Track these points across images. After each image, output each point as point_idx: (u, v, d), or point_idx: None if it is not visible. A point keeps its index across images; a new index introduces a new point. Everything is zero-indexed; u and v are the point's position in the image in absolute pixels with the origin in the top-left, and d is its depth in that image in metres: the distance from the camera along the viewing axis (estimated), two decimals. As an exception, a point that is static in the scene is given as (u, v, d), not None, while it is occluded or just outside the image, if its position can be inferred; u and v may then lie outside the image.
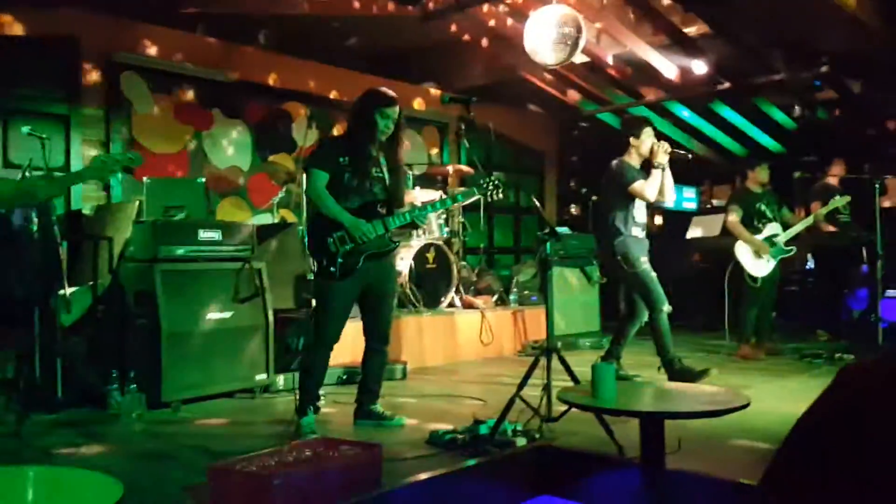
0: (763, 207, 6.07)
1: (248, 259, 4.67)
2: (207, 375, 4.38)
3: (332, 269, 3.61)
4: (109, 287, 4.71)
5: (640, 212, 4.91)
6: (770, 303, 6.16)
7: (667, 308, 4.76)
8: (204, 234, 4.49)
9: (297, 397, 3.72)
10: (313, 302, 3.91)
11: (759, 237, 5.98)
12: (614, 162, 4.97)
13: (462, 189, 3.95)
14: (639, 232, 4.91)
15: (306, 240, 3.79)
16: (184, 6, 5.74)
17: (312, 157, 3.84)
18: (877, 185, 6.13)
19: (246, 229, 4.82)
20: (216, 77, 6.89)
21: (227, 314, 4.50)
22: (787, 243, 6.01)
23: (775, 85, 7.43)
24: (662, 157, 4.78)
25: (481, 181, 3.88)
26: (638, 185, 4.80)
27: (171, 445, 3.51)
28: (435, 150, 9.15)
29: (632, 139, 4.91)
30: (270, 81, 7.38)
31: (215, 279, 4.51)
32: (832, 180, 6.88)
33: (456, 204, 4.04)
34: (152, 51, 6.52)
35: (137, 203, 5.18)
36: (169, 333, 4.20)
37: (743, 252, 5.99)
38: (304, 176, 3.79)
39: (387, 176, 3.82)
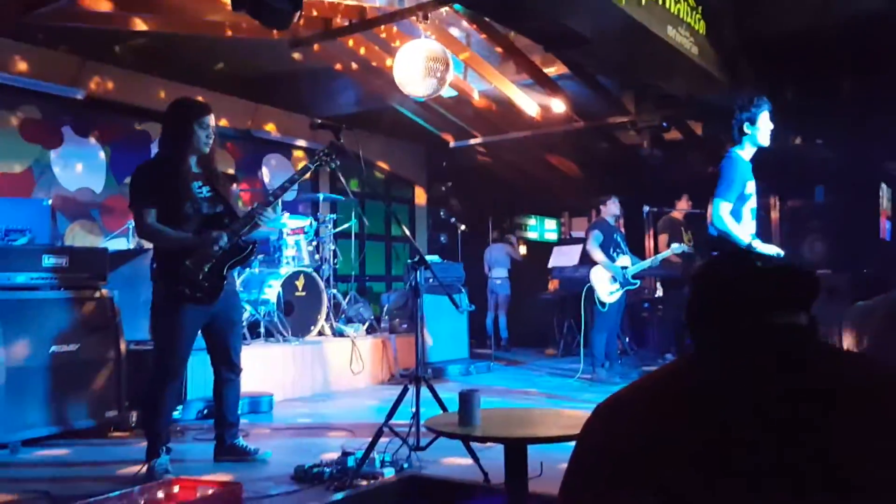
0: (618, 238, 6.49)
1: (98, 287, 4.38)
2: (51, 413, 4.05)
3: (198, 294, 3.41)
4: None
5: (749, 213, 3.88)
6: (616, 329, 6.59)
7: None
8: (49, 261, 4.17)
9: (147, 438, 3.47)
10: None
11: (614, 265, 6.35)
12: (727, 156, 3.87)
13: (301, 170, 3.79)
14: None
15: (156, 273, 3.46)
16: (28, 17, 5.32)
17: (133, 193, 3.47)
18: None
19: (97, 255, 4.53)
20: (67, 93, 6.46)
21: (74, 346, 4.18)
22: (634, 277, 6.44)
23: (626, 124, 7.96)
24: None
25: (314, 156, 3.71)
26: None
27: (8, 491, 3.20)
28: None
29: (745, 126, 3.79)
30: (128, 100, 7.01)
31: (62, 309, 4.19)
32: (678, 214, 7.43)
33: (292, 184, 3.79)
34: (-6, 62, 6.02)
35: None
36: (7, 368, 3.85)
37: (598, 277, 6.33)
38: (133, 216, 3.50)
39: (213, 190, 3.59)
